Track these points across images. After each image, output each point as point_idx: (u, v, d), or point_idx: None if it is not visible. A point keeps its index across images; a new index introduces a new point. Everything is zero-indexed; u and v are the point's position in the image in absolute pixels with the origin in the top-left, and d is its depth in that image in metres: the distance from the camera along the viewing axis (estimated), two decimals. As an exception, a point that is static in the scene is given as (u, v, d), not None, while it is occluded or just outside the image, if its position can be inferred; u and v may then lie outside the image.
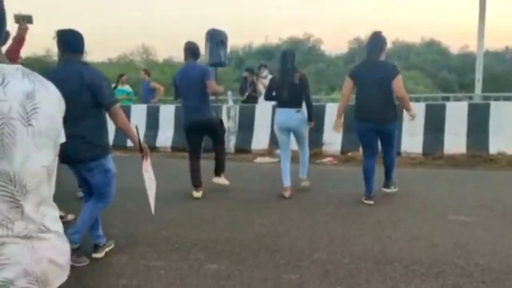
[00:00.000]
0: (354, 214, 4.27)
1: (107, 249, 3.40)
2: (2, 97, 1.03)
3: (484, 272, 2.93)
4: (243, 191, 5.25)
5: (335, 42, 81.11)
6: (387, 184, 4.91)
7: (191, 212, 4.46)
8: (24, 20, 3.43)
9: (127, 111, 8.83)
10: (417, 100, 9.13)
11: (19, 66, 1.13)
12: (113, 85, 9.85)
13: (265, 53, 45.93)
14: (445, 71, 43.36)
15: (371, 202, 4.60)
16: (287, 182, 5.00)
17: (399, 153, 7.04)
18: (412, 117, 4.60)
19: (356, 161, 6.83)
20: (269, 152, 7.53)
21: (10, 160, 1.04)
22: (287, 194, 4.93)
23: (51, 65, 36.21)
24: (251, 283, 2.85)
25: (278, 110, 5.05)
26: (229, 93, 9.87)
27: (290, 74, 4.88)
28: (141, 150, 3.15)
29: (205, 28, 7.78)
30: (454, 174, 6.06)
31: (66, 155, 2.48)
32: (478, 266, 3.02)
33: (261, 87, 8.60)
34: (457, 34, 71.13)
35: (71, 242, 2.86)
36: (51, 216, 1.18)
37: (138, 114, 8.83)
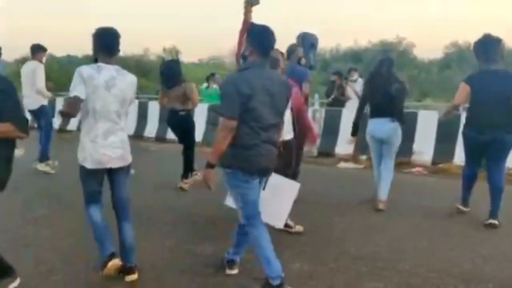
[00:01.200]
0: (440, 227, 4.08)
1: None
2: (96, 76, 2.77)
3: None
4: (324, 195, 5.23)
5: (429, 46, 76.62)
6: (494, 214, 4.14)
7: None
8: (252, 3, 3.59)
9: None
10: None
11: (116, 66, 2.91)
12: (205, 84, 10.38)
13: (353, 56, 44.93)
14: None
15: (465, 209, 4.43)
16: (383, 195, 4.67)
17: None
18: None
19: (447, 173, 6.48)
20: (353, 157, 7.41)
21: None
22: (381, 206, 4.61)
23: (148, 64, 38.14)
24: (333, 285, 2.87)
25: (371, 120, 4.78)
26: (316, 95, 9.87)
27: (385, 81, 4.61)
28: None
29: (295, 30, 7.87)
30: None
31: None
32: None
33: (350, 91, 8.49)
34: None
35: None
36: None
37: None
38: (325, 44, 48.36)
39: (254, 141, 2.64)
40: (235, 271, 3.03)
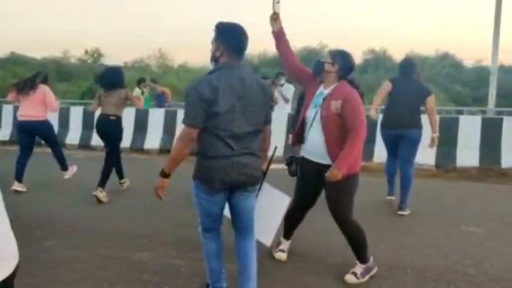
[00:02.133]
0: (370, 222, 4.35)
1: None
2: None
3: (493, 281, 3.03)
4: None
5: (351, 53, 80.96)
6: (403, 204, 4.75)
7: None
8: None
9: (146, 114, 9.12)
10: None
11: None
12: (137, 89, 10.08)
13: (280, 61, 46.07)
14: (459, 84, 43.13)
15: (392, 198, 5.06)
16: None
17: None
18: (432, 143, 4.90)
19: (368, 170, 6.94)
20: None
21: None
22: None
23: (67, 67, 36.57)
24: (272, 283, 2.98)
25: None
26: None
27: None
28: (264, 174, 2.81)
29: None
30: (466, 186, 6.13)
31: None
32: (488, 275, 3.12)
33: (277, 95, 8.73)
34: (470, 48, 70.76)
35: None
36: None
37: (155, 118, 9.07)
38: (253, 49, 49.15)
39: (221, 152, 2.41)
40: None
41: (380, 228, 4.19)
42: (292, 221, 3.42)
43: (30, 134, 5.66)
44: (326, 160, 2.98)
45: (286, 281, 3.03)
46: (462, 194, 5.67)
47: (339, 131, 2.93)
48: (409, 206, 4.81)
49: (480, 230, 4.13)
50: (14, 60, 34.86)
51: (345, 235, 3.13)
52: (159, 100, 10.49)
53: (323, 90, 3.09)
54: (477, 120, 7.14)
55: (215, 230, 2.68)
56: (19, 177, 5.60)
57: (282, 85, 8.93)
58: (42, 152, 6.51)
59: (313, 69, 3.16)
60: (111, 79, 5.37)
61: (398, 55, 50.31)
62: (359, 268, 3.08)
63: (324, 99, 3.01)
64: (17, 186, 5.55)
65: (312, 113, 3.07)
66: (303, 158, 3.18)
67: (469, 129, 7.01)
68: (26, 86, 5.55)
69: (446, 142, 7.05)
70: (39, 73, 5.77)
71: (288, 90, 9.07)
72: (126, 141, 9.16)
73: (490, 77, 8.91)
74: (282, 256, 3.39)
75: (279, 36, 3.24)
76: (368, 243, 3.73)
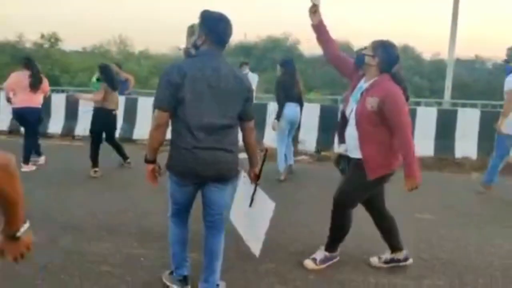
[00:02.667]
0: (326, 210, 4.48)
1: None
2: None
3: (446, 266, 3.19)
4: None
5: (312, 43, 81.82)
6: None
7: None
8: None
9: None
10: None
11: None
12: (95, 77, 9.75)
13: (243, 51, 45.93)
14: (417, 76, 44.55)
15: None
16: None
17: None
18: None
19: (328, 159, 7.09)
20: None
21: None
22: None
23: (23, 52, 34.89)
24: (231, 271, 3.01)
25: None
26: None
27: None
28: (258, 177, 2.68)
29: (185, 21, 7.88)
30: (421, 176, 6.36)
31: None
32: (440, 260, 3.28)
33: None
34: (429, 41, 73.08)
35: None
36: None
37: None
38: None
39: (188, 143, 2.38)
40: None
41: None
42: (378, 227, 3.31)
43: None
44: (355, 154, 2.92)
45: (246, 271, 3.06)
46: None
47: (373, 129, 2.81)
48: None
49: (433, 218, 4.33)
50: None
51: (331, 219, 3.14)
52: (121, 87, 10.19)
53: (363, 84, 2.92)
54: (433, 112, 7.42)
55: (182, 218, 2.71)
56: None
57: (246, 74, 8.96)
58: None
59: (354, 62, 3.00)
60: (115, 79, 6.12)
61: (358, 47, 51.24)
62: (320, 254, 3.15)
63: (361, 94, 2.87)
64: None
65: (350, 108, 2.96)
66: (340, 155, 3.17)
67: (426, 120, 7.27)
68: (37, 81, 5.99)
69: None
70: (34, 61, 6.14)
71: (253, 79, 9.12)
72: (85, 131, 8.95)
73: (446, 70, 9.25)
74: None
75: (319, 28, 3.13)
76: (326, 233, 3.85)
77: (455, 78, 9.75)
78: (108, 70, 6.02)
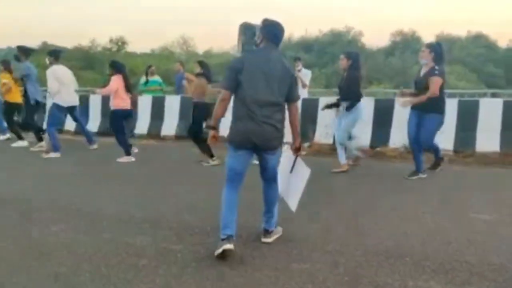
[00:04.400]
0: (373, 208, 4.30)
1: (276, 236, 3.48)
2: None
3: (497, 271, 2.91)
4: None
5: (377, 35, 79.10)
6: None
7: (213, 198, 4.61)
8: None
9: (161, 102, 9.17)
10: (453, 96, 8.90)
11: None
12: (143, 77, 10.14)
13: (304, 46, 45.57)
14: (491, 65, 41.49)
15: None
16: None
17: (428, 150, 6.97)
18: None
19: (383, 156, 6.81)
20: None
21: None
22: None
23: (96, 56, 37.20)
24: (262, 268, 2.97)
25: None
26: None
27: None
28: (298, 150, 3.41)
29: (248, 19, 7.96)
30: (484, 172, 5.92)
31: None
32: (492, 265, 3.00)
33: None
34: (505, 27, 67.63)
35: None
36: None
37: (171, 105, 9.12)
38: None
39: (243, 114, 3.11)
40: (231, 246, 3.08)
41: (387, 215, 4.11)
42: None
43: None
44: None
45: (277, 269, 3.01)
46: (479, 180, 5.49)
47: None
48: (420, 192, 4.73)
49: (490, 218, 3.99)
50: (45, 51, 35.62)
51: None
52: (179, 87, 10.42)
53: None
54: (498, 103, 6.84)
55: (235, 184, 3.25)
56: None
57: (299, 70, 8.84)
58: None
59: None
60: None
61: (427, 37, 48.79)
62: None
63: None
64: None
65: None
66: None
67: (490, 112, 6.74)
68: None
69: (465, 126, 6.84)
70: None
71: (306, 75, 9.00)
72: (144, 128, 9.35)
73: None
74: None
75: None
76: (370, 229, 3.70)
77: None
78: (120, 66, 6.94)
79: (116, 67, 6.86)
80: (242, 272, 2.93)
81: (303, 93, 8.73)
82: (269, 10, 58.51)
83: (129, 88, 6.90)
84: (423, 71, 5.30)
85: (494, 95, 9.38)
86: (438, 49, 5.26)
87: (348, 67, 5.69)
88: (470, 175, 5.80)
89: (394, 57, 40.87)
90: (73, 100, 7.48)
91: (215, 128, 3.34)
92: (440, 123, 5.29)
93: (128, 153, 6.74)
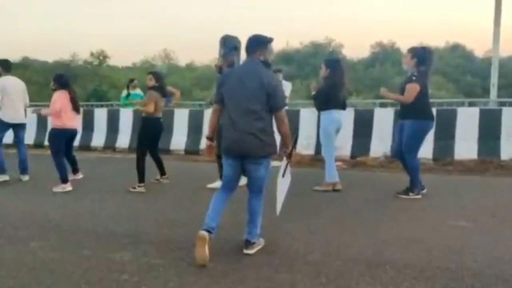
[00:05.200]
0: (354, 218, 4.34)
1: (258, 247, 3.47)
2: None
3: (475, 277, 2.96)
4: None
5: (357, 47, 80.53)
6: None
7: (195, 213, 4.59)
8: None
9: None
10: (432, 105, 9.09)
11: None
12: (125, 91, 10.12)
13: (285, 58, 46.01)
14: (469, 75, 42.56)
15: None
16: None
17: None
18: None
19: (364, 166, 6.88)
20: (278, 156, 7.62)
21: None
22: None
23: (75, 70, 36.86)
24: (244, 281, 2.96)
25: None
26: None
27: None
28: (289, 156, 3.49)
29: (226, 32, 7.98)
30: (462, 180, 6.04)
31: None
32: (470, 270, 3.05)
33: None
34: (481, 38, 69.58)
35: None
36: None
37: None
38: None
39: (227, 123, 3.29)
40: (206, 236, 3.21)
41: (366, 223, 4.16)
42: None
43: None
44: None
45: (259, 279, 3.00)
46: (457, 188, 5.59)
47: None
48: (397, 201, 4.81)
49: (468, 225, 4.06)
50: (26, 65, 35.23)
51: None
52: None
53: None
54: (475, 112, 7.02)
55: (226, 190, 3.44)
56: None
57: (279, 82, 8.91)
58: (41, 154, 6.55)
59: None
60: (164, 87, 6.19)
61: (406, 48, 49.75)
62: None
63: None
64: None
65: None
66: None
67: (468, 121, 6.90)
68: None
69: (443, 135, 6.98)
70: None
71: (286, 87, 9.06)
72: (125, 142, 9.28)
73: (491, 68, 8.76)
74: None
75: None
76: (350, 238, 3.73)
77: (506, 75, 9.18)
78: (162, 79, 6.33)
79: (60, 82, 5.97)
80: (224, 286, 2.91)
81: (284, 105, 8.81)
82: (251, 22, 59.13)
83: (76, 106, 6.03)
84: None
85: (471, 104, 9.60)
86: (421, 53, 5.03)
87: (326, 76, 5.48)
88: (448, 183, 5.90)
89: (374, 68, 41.60)
90: (18, 117, 6.43)
91: (211, 139, 3.48)
92: (420, 130, 5.04)
93: (64, 180, 5.82)
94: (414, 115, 5.02)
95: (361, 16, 78.83)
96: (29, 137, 9.37)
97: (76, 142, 9.52)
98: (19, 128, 6.53)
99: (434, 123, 5.25)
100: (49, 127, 6.47)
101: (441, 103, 9.20)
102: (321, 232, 3.91)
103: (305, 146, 7.68)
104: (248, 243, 3.43)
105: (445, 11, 75.52)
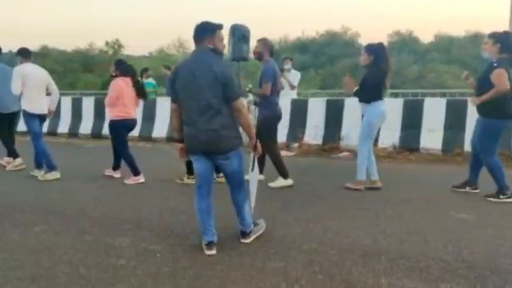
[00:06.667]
0: (354, 208, 4.33)
1: (256, 235, 3.50)
2: None
3: (470, 269, 2.93)
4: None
5: (373, 36, 79.32)
6: None
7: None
8: None
9: (152, 103, 9.20)
10: (443, 95, 8.93)
11: None
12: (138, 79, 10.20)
13: (301, 47, 45.63)
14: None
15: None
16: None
17: (417, 149, 6.99)
18: None
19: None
20: (286, 146, 7.62)
21: None
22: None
23: (92, 59, 37.14)
24: (238, 268, 3.00)
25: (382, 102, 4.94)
26: (250, 86, 10.03)
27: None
28: (255, 148, 3.37)
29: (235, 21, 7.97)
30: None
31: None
32: (465, 262, 3.03)
33: (283, 80, 8.64)
34: (504, 27, 67.56)
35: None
36: None
37: (163, 106, 9.14)
38: (274, 35, 48.75)
39: (186, 121, 3.13)
40: (213, 252, 3.23)
41: (366, 214, 4.14)
42: None
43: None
44: None
45: (253, 267, 3.03)
46: (463, 179, 5.50)
47: None
48: (402, 192, 4.78)
49: (470, 216, 4.01)
50: (45, 54, 35.63)
51: None
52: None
53: None
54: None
55: (204, 190, 3.26)
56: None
57: (288, 70, 8.84)
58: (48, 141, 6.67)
59: None
60: None
61: (425, 37, 48.79)
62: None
63: None
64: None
65: None
66: None
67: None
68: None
69: (453, 125, 6.87)
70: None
71: (295, 76, 9.00)
72: (134, 130, 9.38)
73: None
74: None
75: None
76: (348, 228, 3.73)
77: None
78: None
79: (122, 68, 5.61)
80: (218, 272, 2.95)
81: (292, 94, 8.75)
82: (267, 8, 58.42)
83: (141, 92, 5.72)
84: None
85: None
86: (505, 38, 4.47)
87: (369, 64, 4.84)
88: (457, 174, 5.81)
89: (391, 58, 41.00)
90: (41, 107, 5.88)
91: (180, 140, 3.30)
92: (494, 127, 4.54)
93: (136, 172, 5.62)
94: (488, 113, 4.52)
95: (378, 4, 77.41)
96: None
97: (89, 130, 9.73)
98: (40, 119, 5.95)
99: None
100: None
101: (453, 93, 8.99)
102: (319, 222, 3.91)
103: (312, 136, 7.65)
104: (244, 233, 3.44)
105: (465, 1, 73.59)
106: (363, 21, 67.78)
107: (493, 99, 4.37)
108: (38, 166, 5.95)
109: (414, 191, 4.91)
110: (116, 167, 5.87)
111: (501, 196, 4.53)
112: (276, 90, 5.16)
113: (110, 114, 5.69)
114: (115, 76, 5.55)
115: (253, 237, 3.47)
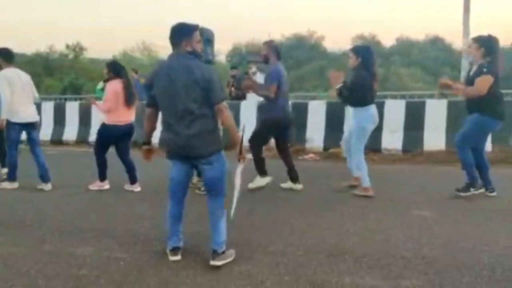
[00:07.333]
0: (320, 209, 4.40)
1: (228, 260, 3.12)
2: None
3: (429, 264, 3.03)
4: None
5: (338, 39, 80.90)
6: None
7: (164, 206, 4.58)
8: None
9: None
10: (403, 97, 9.21)
11: None
12: (100, 83, 9.97)
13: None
14: (448, 67, 43.11)
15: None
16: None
17: (379, 150, 7.17)
18: None
19: (336, 157, 6.95)
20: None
21: None
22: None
23: (52, 62, 35.97)
24: (204, 274, 2.98)
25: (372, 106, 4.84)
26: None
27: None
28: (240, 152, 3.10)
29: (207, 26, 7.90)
30: (431, 170, 6.15)
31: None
32: (425, 258, 3.13)
33: (249, 83, 8.67)
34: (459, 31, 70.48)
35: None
36: None
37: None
38: (241, 39, 48.89)
39: (165, 125, 3.06)
40: (178, 257, 3.20)
41: (332, 214, 4.21)
42: None
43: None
44: None
45: (219, 271, 3.02)
46: (425, 178, 5.69)
47: None
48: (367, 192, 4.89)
49: (430, 214, 4.15)
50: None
51: None
52: (140, 93, 10.35)
53: None
54: (443, 104, 7.14)
55: (177, 195, 3.21)
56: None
57: (254, 73, 8.87)
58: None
59: None
60: None
61: (387, 41, 50.18)
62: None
63: None
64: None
65: None
66: None
67: (436, 113, 7.02)
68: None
69: (413, 126, 7.10)
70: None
71: (261, 79, 9.03)
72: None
73: (461, 61, 8.92)
74: None
75: None
76: (315, 229, 3.78)
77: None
78: None
79: (115, 69, 5.35)
80: (184, 278, 2.92)
81: (259, 98, 8.76)
82: (229, 14, 58.58)
83: (129, 98, 5.27)
84: (473, 71, 4.62)
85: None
86: (488, 42, 4.52)
87: (357, 66, 4.76)
88: (417, 173, 6.01)
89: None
90: (28, 115, 5.47)
91: (147, 143, 3.30)
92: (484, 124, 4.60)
93: (102, 179, 5.45)
94: (480, 110, 4.55)
95: (341, 8, 79.11)
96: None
97: (48, 137, 9.43)
98: (30, 128, 5.53)
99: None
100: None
101: (412, 95, 9.32)
102: (286, 223, 3.95)
103: (310, 139, 7.70)
104: (215, 253, 3.08)
105: (424, 4, 76.29)
106: (327, 25, 69.12)
107: (487, 100, 4.44)
108: (44, 180, 5.54)
109: (378, 190, 5.03)
110: (133, 180, 5.40)
111: (471, 189, 4.72)
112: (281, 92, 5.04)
113: (107, 119, 5.26)
114: (109, 79, 5.28)
115: (224, 261, 3.08)
